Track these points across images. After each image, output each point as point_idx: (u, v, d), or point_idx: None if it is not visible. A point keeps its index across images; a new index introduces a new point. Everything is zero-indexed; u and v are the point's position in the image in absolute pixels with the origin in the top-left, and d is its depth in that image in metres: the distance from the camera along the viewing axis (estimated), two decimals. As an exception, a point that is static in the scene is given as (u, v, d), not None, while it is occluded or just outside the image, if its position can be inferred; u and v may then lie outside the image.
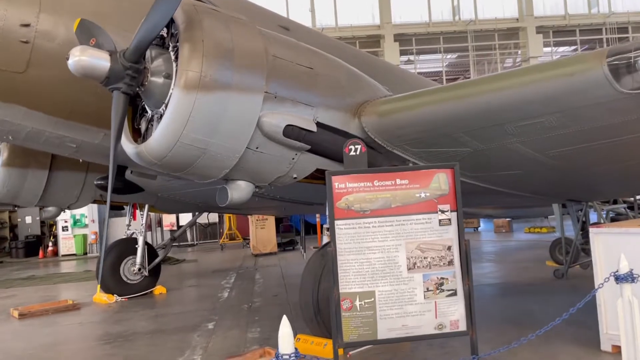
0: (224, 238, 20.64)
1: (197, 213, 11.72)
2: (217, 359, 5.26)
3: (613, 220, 10.33)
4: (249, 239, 17.94)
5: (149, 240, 20.66)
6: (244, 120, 4.25)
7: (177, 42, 4.17)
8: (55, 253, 21.15)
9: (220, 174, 4.54)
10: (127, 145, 4.47)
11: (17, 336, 6.99)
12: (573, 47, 28.11)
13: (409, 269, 4.04)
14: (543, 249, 12.88)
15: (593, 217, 11.05)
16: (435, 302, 4.04)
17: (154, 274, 9.78)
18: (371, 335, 4.03)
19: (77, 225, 20.93)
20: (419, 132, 4.78)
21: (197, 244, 22.70)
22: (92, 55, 4.09)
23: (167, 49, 4.39)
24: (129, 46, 4.17)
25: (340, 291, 4.00)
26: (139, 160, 4.35)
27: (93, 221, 20.81)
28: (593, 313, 4.84)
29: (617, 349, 4.71)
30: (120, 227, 10.47)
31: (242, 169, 4.57)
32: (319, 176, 5.80)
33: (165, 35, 4.44)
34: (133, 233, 9.73)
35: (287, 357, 2.81)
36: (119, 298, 9.10)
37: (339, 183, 4.09)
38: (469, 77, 26.28)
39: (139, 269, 9.39)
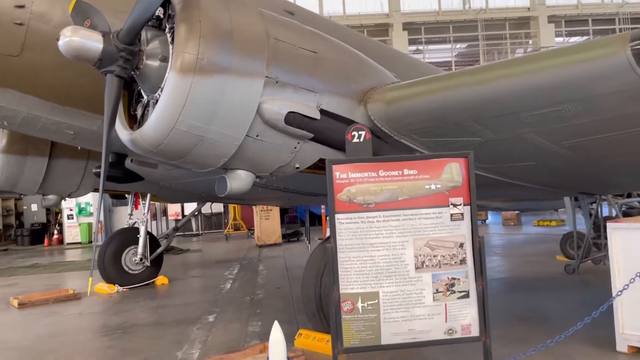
0: (228, 228, 20.52)
1: (200, 203, 11.57)
2: (216, 353, 5.09)
3: (625, 214, 10.04)
4: (253, 230, 17.80)
5: (155, 230, 20.74)
6: (244, 106, 4.04)
7: (174, 23, 3.96)
8: (61, 241, 21.19)
9: (218, 163, 4.34)
10: (122, 131, 4.27)
11: (15, 326, 6.88)
12: (585, 38, 27.60)
13: (416, 268, 3.69)
14: (552, 242, 12.66)
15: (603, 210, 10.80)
16: (446, 304, 3.68)
17: (156, 264, 9.64)
18: (374, 340, 3.70)
19: (83, 214, 20.90)
20: (428, 120, 4.54)
21: (202, 233, 22.62)
22: (83, 36, 3.89)
23: (164, 30, 4.18)
24: (122, 27, 3.97)
25: (341, 292, 3.67)
26: (133, 147, 4.16)
27: (99, 210, 20.72)
28: (607, 312, 4.62)
29: (634, 350, 4.50)
30: (124, 216, 10.33)
31: (242, 158, 4.36)
32: (323, 166, 5.61)
33: (161, 16, 4.24)
34: (135, 222, 9.59)
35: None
36: (121, 288, 8.97)
37: (340, 173, 3.76)
38: (478, 67, 25.82)
39: (141, 259, 9.26)
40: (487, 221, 21.58)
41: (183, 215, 20.84)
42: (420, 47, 26.63)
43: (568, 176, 6.08)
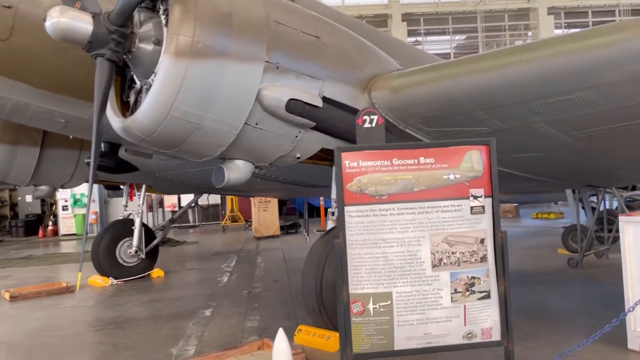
0: (225, 220, 20.35)
1: (197, 194, 11.37)
2: (213, 350, 4.92)
3: (627, 207, 9.90)
4: (251, 221, 17.63)
5: (150, 222, 20.54)
6: (242, 92, 3.85)
7: (168, 4, 3.75)
8: (56, 232, 20.98)
9: (216, 153, 4.15)
10: (114, 118, 4.08)
11: (5, 320, 6.70)
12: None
13: (433, 266, 3.38)
14: (552, 235, 12.54)
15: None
16: (465, 306, 3.37)
17: (152, 257, 9.45)
18: (387, 345, 3.39)
19: (78, 205, 20.67)
20: (435, 109, 4.35)
21: (198, 225, 22.44)
22: (72, 17, 3.68)
23: (158, 12, 3.96)
24: (114, 8, 3.76)
25: (350, 292, 3.37)
26: (125, 135, 3.96)
27: (94, 201, 20.48)
28: (616, 308, 4.47)
29: (646, 348, 4.35)
30: (120, 208, 10.13)
31: (240, 147, 4.18)
32: (324, 156, 5.40)
33: (156, -4, 4.03)
34: (130, 214, 9.39)
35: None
36: (115, 281, 8.79)
37: (350, 161, 3.44)
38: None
39: (136, 252, 9.06)
40: (485, 214, 21.40)
41: (180, 207, 20.65)
42: (419, 39, 26.38)
43: (576, 168, 5.91)
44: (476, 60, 4.17)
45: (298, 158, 4.55)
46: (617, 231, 8.59)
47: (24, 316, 6.81)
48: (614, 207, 10.81)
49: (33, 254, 14.59)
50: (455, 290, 3.37)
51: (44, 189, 8.42)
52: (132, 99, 4.23)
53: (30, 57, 4.96)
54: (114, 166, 6.92)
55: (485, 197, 3.47)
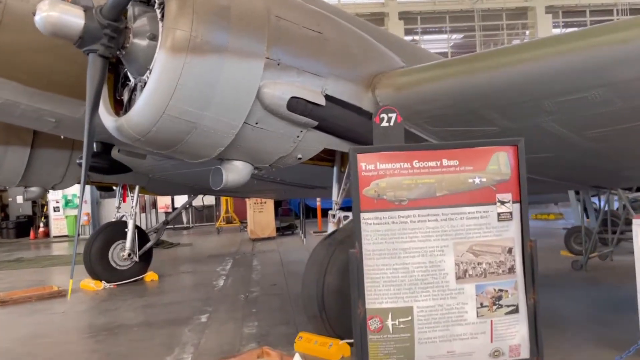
0: (220, 221, 20.12)
1: (191, 195, 11.16)
2: (210, 358, 4.73)
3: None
4: (246, 223, 17.42)
5: (144, 223, 20.29)
6: (242, 90, 3.66)
7: (164, -3, 3.56)
8: (47, 234, 20.70)
9: (214, 153, 3.97)
10: (107, 117, 3.88)
11: (-6, 326, 6.47)
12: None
13: (457, 278, 3.12)
14: (552, 237, 12.41)
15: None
16: (491, 321, 3.11)
17: (145, 260, 9.23)
18: None
19: (69, 206, 20.40)
20: (442, 107, 4.18)
21: (192, 226, 22.20)
22: (62, 11, 3.49)
23: (153, 6, 3.77)
24: (106, 1, 3.57)
25: (367, 307, 3.08)
26: (119, 135, 3.77)
27: (85, 202, 20.22)
28: (624, 312, 4.30)
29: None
30: (113, 209, 9.92)
31: (240, 148, 3.99)
32: (325, 157, 5.23)
33: (150, -10, 3.83)
34: (123, 216, 9.18)
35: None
36: (107, 285, 8.56)
37: (367, 164, 3.18)
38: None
39: (129, 254, 8.84)
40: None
41: (173, 208, 20.43)
42: (416, 38, 26.25)
43: (584, 169, 5.77)
44: (485, 57, 4.01)
45: (299, 159, 4.37)
46: (622, 233, 8.55)
47: (14, 322, 6.58)
48: (615, 208, 10.71)
49: (24, 257, 14.32)
50: (481, 304, 3.12)
51: (34, 190, 8.19)
52: (125, 97, 4.05)
53: (19, 53, 4.79)
54: (107, 167, 6.72)
55: (513, 202, 3.24)
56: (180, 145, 3.77)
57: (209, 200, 20.96)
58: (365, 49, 4.53)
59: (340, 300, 4.51)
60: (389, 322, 3.03)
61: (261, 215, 16.29)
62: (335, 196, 5.42)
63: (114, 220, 9.36)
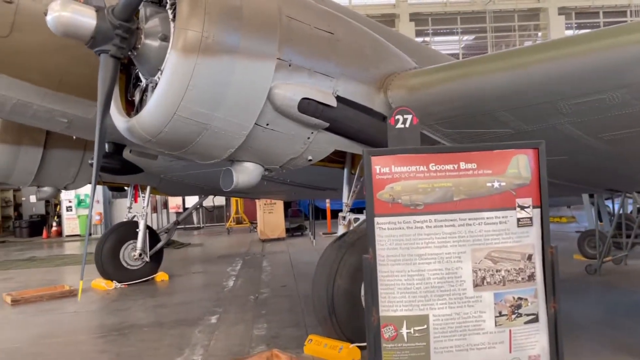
0: (230, 222, 20.16)
1: (202, 196, 11.18)
2: (219, 360, 4.72)
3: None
4: (256, 223, 17.43)
5: (155, 223, 20.37)
6: (253, 91, 3.63)
7: (176, -2, 3.54)
8: (59, 233, 20.87)
9: (224, 154, 3.94)
10: (118, 118, 3.88)
11: (6, 326, 6.51)
12: (596, 30, 27.04)
13: (475, 285, 3.00)
14: (566, 240, 12.26)
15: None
16: (510, 330, 3.00)
17: (156, 260, 9.26)
18: None
19: (82, 206, 20.54)
20: (455, 109, 4.12)
21: (203, 227, 22.26)
22: (74, 11, 3.48)
23: (165, 6, 3.75)
24: (118, 2, 3.56)
25: (381, 314, 2.97)
26: (130, 136, 3.76)
27: (98, 202, 20.37)
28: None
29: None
30: (125, 209, 9.96)
31: (250, 149, 3.96)
32: (335, 159, 5.19)
33: (162, -10, 3.82)
34: (134, 216, 9.21)
35: None
36: (119, 285, 8.60)
37: (381, 166, 3.05)
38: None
39: (140, 254, 8.87)
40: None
41: (184, 208, 20.51)
42: (427, 39, 26.12)
43: (599, 172, 5.67)
44: (500, 58, 3.94)
45: (310, 160, 4.34)
46: (636, 237, 8.41)
47: (25, 321, 6.62)
48: (629, 212, 10.55)
49: (36, 256, 14.43)
50: (500, 313, 3.01)
51: (47, 190, 8.24)
52: (137, 97, 4.04)
53: (32, 54, 4.83)
54: (118, 167, 6.75)
55: (533, 207, 3.11)
56: (191, 146, 3.75)
57: (220, 200, 21.03)
58: (377, 49, 4.48)
59: (350, 303, 4.48)
60: (404, 331, 2.95)
61: (271, 216, 16.29)
62: (346, 198, 5.39)
63: (125, 220, 9.39)
